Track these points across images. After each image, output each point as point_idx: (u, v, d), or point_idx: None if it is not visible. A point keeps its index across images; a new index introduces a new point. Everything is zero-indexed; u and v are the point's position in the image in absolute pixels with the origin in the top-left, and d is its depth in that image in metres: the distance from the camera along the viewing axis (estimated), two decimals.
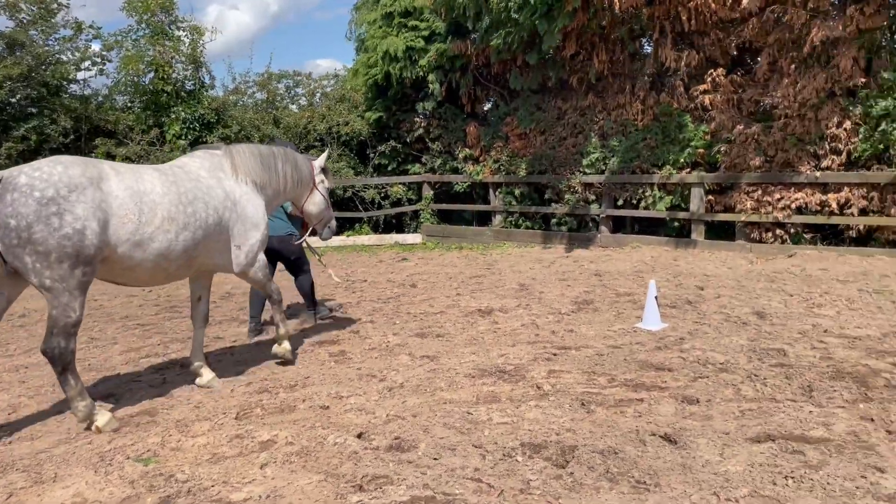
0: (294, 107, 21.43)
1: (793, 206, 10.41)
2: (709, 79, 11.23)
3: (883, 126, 9.40)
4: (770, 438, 3.87)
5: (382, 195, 17.39)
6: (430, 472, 3.56)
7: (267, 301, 6.17)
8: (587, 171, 13.45)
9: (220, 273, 5.71)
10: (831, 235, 10.61)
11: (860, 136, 9.74)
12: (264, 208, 5.65)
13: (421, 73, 15.65)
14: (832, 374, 5.01)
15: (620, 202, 13.13)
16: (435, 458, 3.74)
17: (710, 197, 11.79)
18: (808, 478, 3.36)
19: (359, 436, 4.13)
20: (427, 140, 17.06)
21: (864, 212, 9.89)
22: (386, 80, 16.12)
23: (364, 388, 5.10)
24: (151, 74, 15.75)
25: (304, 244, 7.28)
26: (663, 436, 3.96)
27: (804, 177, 10.27)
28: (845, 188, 9.93)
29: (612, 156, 12.98)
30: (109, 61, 16.21)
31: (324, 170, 6.60)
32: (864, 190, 9.79)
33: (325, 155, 6.77)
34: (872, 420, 4.11)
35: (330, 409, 4.67)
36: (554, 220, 14.55)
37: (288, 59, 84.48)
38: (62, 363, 4.36)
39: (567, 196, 13.88)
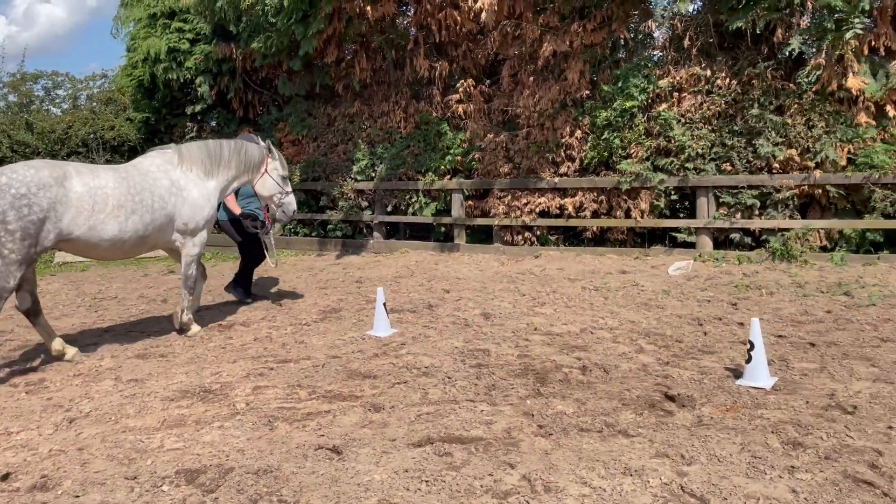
0: (57, 110, 19.81)
1: (537, 210, 11.11)
2: (461, 89, 11.71)
3: (605, 135, 10.30)
4: (430, 442, 4.03)
5: None
6: None
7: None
8: (358, 177, 13.55)
9: None
10: (573, 236, 11.44)
11: (589, 144, 10.60)
12: (212, 191, 6.96)
13: (188, 76, 15.01)
14: (519, 372, 5.34)
15: (390, 208, 13.37)
16: (76, 496, 3.52)
17: (469, 202, 12.29)
18: (442, 480, 3.52)
19: (4, 477, 3.79)
20: None
21: (595, 214, 10.75)
22: (152, 82, 15.31)
23: (42, 422, 4.71)
24: None
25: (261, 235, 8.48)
26: (331, 448, 4.00)
27: (545, 182, 11.00)
28: (579, 192, 10.75)
29: (380, 163, 13.17)
30: None
31: (280, 159, 7.78)
32: (595, 194, 10.66)
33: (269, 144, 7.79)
34: (532, 416, 4.40)
35: None
36: (330, 227, 14.52)
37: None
38: None
39: (341, 203, 13.89)
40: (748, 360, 4.83)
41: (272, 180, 7.67)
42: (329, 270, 11.67)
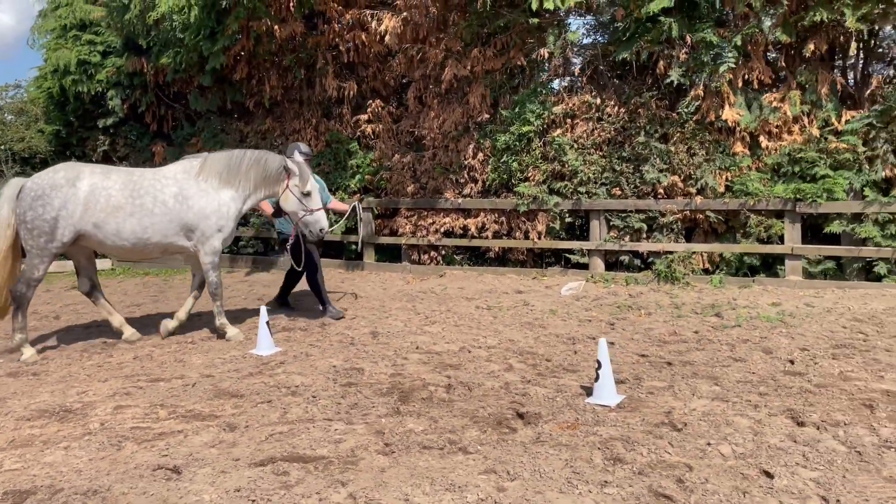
0: None
1: (442, 229, 11.30)
2: (370, 109, 11.86)
3: (505, 158, 10.58)
4: (272, 461, 4.09)
5: None
6: None
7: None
8: None
9: None
10: (478, 256, 11.65)
11: (490, 166, 10.87)
12: (225, 202, 7.07)
13: (100, 89, 14.77)
14: (385, 391, 5.43)
15: None
16: None
17: (379, 221, 12.40)
18: (269, 499, 3.59)
19: None
20: (114, 159, 16.07)
21: (497, 235, 11.00)
22: (62, 94, 15.01)
23: None
24: None
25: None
26: (172, 468, 4.02)
27: (449, 203, 11.20)
28: (482, 213, 11.00)
29: None
30: None
31: (301, 176, 7.36)
32: (496, 215, 10.92)
33: (296, 159, 7.60)
34: (383, 434, 4.50)
35: None
36: (241, 243, 14.40)
37: None
38: (17, 302, 6.71)
39: (252, 219, 13.80)
40: (596, 379, 5.04)
41: (293, 197, 7.35)
42: (234, 287, 11.59)
